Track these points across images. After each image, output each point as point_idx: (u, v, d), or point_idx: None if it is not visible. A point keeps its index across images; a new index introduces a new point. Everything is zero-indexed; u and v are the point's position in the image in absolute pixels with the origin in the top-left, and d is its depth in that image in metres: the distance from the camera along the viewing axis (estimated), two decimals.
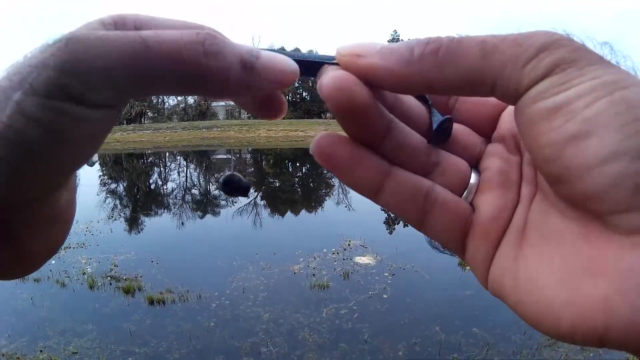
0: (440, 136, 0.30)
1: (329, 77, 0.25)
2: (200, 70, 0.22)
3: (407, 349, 3.90)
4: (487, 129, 0.31)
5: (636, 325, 0.19)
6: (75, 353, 3.83)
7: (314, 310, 4.65)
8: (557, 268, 0.23)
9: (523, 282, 0.24)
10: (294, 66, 0.26)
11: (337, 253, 6.44)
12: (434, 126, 0.29)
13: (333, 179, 15.56)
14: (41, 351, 3.83)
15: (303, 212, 10.35)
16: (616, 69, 0.22)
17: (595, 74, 0.21)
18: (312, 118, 45.07)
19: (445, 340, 3.99)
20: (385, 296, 4.94)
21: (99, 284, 5.31)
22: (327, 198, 11.93)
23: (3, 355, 3.74)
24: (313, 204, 11.45)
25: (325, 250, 6.53)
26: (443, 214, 0.28)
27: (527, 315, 0.24)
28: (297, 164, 21.16)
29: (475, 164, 0.30)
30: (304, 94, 49.92)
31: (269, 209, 10.60)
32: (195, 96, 0.26)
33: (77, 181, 0.30)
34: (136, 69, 0.22)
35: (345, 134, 0.27)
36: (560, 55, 0.22)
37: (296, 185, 15.31)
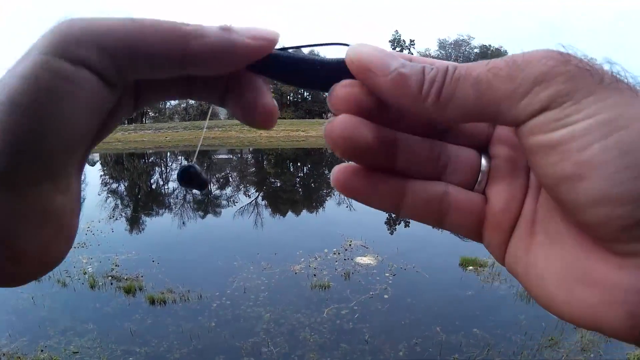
0: None
1: (333, 126, 0.27)
2: (185, 38, 0.25)
3: (407, 349, 3.90)
4: None
5: (620, 332, 0.23)
6: (76, 352, 3.83)
7: (315, 311, 4.65)
8: (558, 271, 0.25)
9: (532, 275, 0.27)
10: (273, 31, 0.27)
11: (338, 253, 6.44)
12: None
13: None
14: (42, 351, 3.83)
15: (304, 212, 10.34)
16: (614, 99, 0.22)
17: (590, 110, 0.22)
18: (313, 118, 45.10)
19: (446, 341, 3.99)
20: (386, 296, 4.94)
21: (100, 283, 5.31)
22: (328, 198, 11.91)
23: (4, 354, 3.74)
24: (314, 204, 11.44)
25: (326, 250, 6.53)
26: (458, 214, 0.30)
27: (536, 299, 0.27)
28: (298, 164, 21.16)
29: (485, 148, 0.31)
30: (305, 94, 49.91)
31: (270, 209, 10.59)
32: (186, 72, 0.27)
33: (82, 198, 0.30)
34: (129, 41, 0.24)
35: (360, 166, 0.29)
36: (555, 89, 0.22)
37: (297, 185, 15.29)
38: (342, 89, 0.28)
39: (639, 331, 0.22)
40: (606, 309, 0.23)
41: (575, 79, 0.22)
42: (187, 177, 0.32)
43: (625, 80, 0.23)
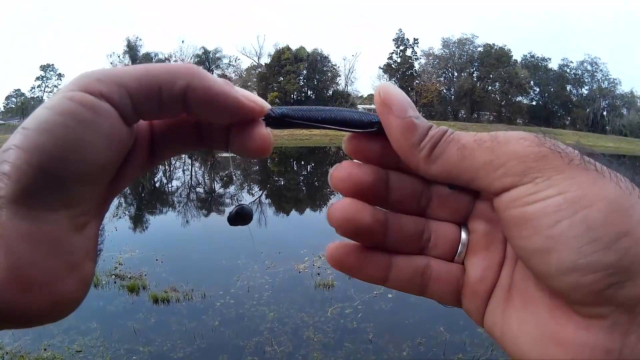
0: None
1: (336, 208, 0.30)
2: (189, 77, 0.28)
3: (411, 348, 3.89)
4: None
5: None
6: (79, 351, 3.83)
7: (319, 310, 4.65)
8: (532, 331, 0.28)
9: (507, 336, 0.30)
10: (264, 102, 0.31)
11: None
12: None
13: None
14: (45, 349, 3.83)
15: (308, 210, 10.36)
16: (581, 178, 0.25)
17: (560, 187, 0.24)
18: None
19: (450, 340, 3.98)
20: (390, 295, 4.92)
21: (104, 282, 5.31)
22: (332, 196, 11.89)
23: (7, 353, 3.75)
24: (318, 203, 11.45)
25: None
26: (438, 284, 0.33)
27: (511, 357, 0.29)
28: (302, 163, 21.18)
29: (465, 221, 0.34)
30: (309, 92, 49.92)
31: (273, 208, 10.61)
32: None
33: (99, 249, 0.32)
34: (143, 80, 0.28)
35: (352, 243, 0.32)
36: (526, 166, 0.25)
37: (301, 183, 15.30)
38: (342, 170, 0.31)
39: None
40: None
41: (546, 158, 0.25)
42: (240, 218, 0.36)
43: (592, 162, 0.25)
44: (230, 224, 0.36)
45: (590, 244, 0.23)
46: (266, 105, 0.31)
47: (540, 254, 0.25)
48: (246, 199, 11.46)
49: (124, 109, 0.27)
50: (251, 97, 0.30)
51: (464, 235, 0.33)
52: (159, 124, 0.33)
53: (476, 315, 0.32)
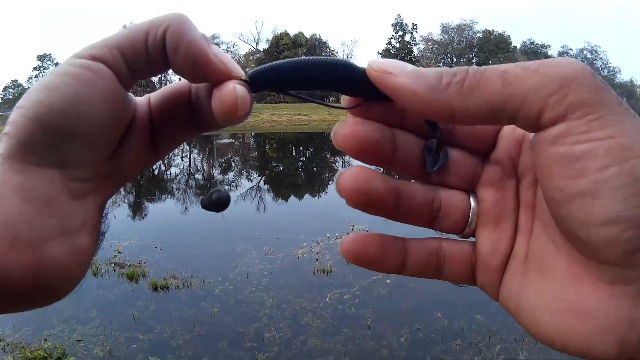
0: (438, 161, 0.31)
1: (346, 176, 0.29)
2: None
3: (409, 334, 3.91)
4: (484, 149, 0.32)
5: (610, 355, 0.24)
6: (79, 341, 3.85)
7: (318, 295, 4.67)
8: (550, 303, 0.27)
9: (524, 309, 0.28)
10: (239, 70, 0.30)
11: (341, 238, 6.41)
12: (430, 154, 0.31)
13: (336, 163, 15.53)
14: (46, 339, 3.85)
15: (306, 196, 10.36)
16: (630, 125, 0.23)
17: (612, 130, 0.23)
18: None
19: (448, 326, 4.00)
20: (388, 281, 4.94)
21: (103, 270, 5.33)
22: (330, 182, 11.90)
23: (8, 344, 3.77)
24: (316, 188, 11.45)
25: (328, 234, 6.54)
26: (452, 264, 0.32)
27: (528, 331, 0.28)
28: (301, 148, 21.15)
29: (473, 189, 0.32)
30: None
31: (272, 193, 10.62)
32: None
33: (101, 232, 0.32)
34: (131, 40, 0.28)
35: (367, 233, 0.31)
36: (581, 96, 0.23)
37: (299, 169, 15.29)
38: (346, 128, 0.29)
39: (627, 357, 0.24)
40: (598, 337, 0.24)
41: (601, 91, 0.23)
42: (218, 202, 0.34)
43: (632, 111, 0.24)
44: (205, 209, 0.34)
45: (635, 196, 0.22)
46: (235, 69, 0.30)
47: (583, 199, 0.23)
48: (244, 185, 11.45)
49: (116, 67, 0.28)
50: (221, 57, 0.29)
51: (472, 203, 0.32)
52: (156, 108, 0.33)
53: (491, 290, 0.31)
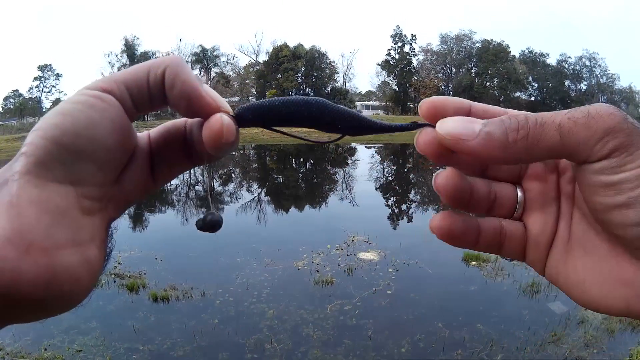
0: None
1: (442, 177, 0.35)
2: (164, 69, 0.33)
3: (411, 345, 3.90)
4: None
5: None
6: (79, 351, 3.84)
7: (318, 307, 4.65)
8: (596, 275, 0.33)
9: (573, 282, 0.35)
10: (226, 117, 0.33)
11: (341, 249, 6.44)
12: None
13: (336, 175, 15.53)
14: (45, 349, 3.84)
15: (307, 207, 10.35)
16: None
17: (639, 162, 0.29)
18: None
19: (449, 336, 3.99)
20: (389, 292, 4.94)
21: (103, 281, 5.30)
22: (331, 194, 11.93)
23: (8, 354, 3.75)
24: (317, 200, 11.44)
25: (329, 246, 6.53)
26: (511, 241, 0.37)
27: (577, 301, 0.35)
28: (301, 160, 21.16)
29: (519, 181, 0.38)
30: (307, 89, 49.83)
31: (272, 205, 10.61)
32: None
33: (109, 248, 0.35)
34: (136, 77, 0.32)
35: (450, 212, 0.36)
36: (619, 141, 0.29)
37: (300, 181, 15.30)
38: (426, 136, 0.34)
39: None
40: (635, 300, 0.31)
41: (631, 135, 0.29)
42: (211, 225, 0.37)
43: None
44: (200, 230, 0.38)
45: None
46: (224, 106, 0.34)
47: (620, 209, 0.30)
48: (245, 196, 11.46)
49: (123, 100, 0.32)
50: (212, 94, 0.33)
51: (519, 193, 0.38)
52: (155, 141, 0.37)
53: (539, 266, 0.37)
